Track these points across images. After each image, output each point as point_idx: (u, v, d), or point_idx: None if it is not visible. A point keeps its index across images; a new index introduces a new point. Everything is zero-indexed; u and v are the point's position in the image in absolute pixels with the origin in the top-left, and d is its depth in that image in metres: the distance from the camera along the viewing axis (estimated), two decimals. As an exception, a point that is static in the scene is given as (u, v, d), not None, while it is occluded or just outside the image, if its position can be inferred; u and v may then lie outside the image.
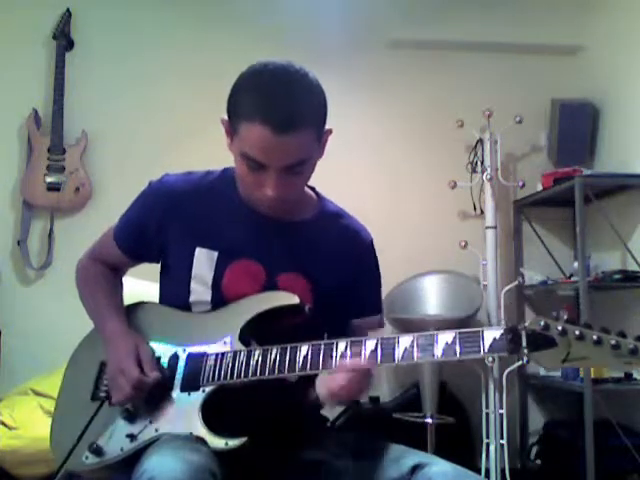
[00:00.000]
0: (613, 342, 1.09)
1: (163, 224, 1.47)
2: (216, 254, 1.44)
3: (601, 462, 2.92)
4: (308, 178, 1.41)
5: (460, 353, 1.18)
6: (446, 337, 1.20)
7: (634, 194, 3.31)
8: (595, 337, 1.11)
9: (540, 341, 1.14)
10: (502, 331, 1.17)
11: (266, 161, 1.30)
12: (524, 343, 1.15)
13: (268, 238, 1.45)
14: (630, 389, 3.18)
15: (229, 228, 1.45)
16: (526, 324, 1.16)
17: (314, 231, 1.48)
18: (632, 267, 3.19)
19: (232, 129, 1.35)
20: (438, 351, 1.20)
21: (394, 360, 1.22)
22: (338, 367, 1.26)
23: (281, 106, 1.27)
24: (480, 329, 1.19)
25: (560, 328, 1.13)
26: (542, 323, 1.14)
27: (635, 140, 3.38)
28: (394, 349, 1.23)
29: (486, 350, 1.17)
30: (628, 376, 3.18)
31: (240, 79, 1.34)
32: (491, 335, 1.17)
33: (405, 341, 1.23)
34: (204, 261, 1.44)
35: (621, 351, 1.09)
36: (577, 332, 1.12)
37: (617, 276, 3.17)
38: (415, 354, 1.21)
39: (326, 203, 1.55)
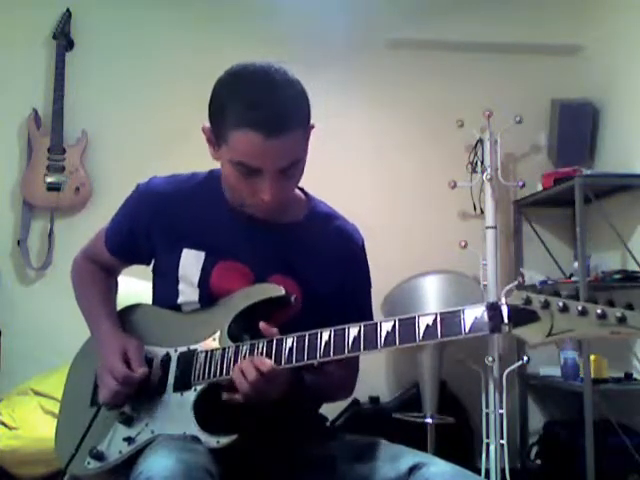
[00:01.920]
0: (599, 311, 1.05)
1: (151, 226, 1.47)
2: (203, 254, 1.43)
3: (601, 462, 2.92)
4: (300, 179, 1.41)
5: (441, 334, 1.16)
6: (427, 319, 1.18)
7: (634, 194, 3.31)
8: (580, 308, 1.06)
9: (522, 316, 1.10)
10: (483, 309, 1.14)
11: (261, 166, 1.29)
12: (505, 320, 1.11)
13: (256, 240, 1.44)
14: (630, 389, 3.18)
15: (216, 229, 1.45)
16: (508, 299, 1.13)
17: (304, 233, 1.48)
18: (632, 267, 3.19)
19: (217, 137, 1.33)
20: (420, 334, 1.18)
21: (377, 346, 1.21)
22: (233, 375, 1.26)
23: (269, 110, 1.26)
24: (461, 308, 1.16)
25: (542, 300, 1.09)
26: (524, 297, 1.10)
27: (635, 140, 3.38)
28: (376, 335, 1.22)
29: (467, 330, 1.14)
30: (628, 376, 3.18)
31: (220, 86, 1.33)
32: (472, 314, 1.14)
33: (387, 326, 1.22)
34: (191, 262, 1.43)
35: (608, 320, 1.05)
36: (560, 304, 1.07)
37: (617, 276, 3.17)
38: (397, 338, 1.20)
39: (316, 204, 1.54)
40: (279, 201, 1.34)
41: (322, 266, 1.46)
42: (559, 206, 3.60)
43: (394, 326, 1.21)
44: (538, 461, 3.44)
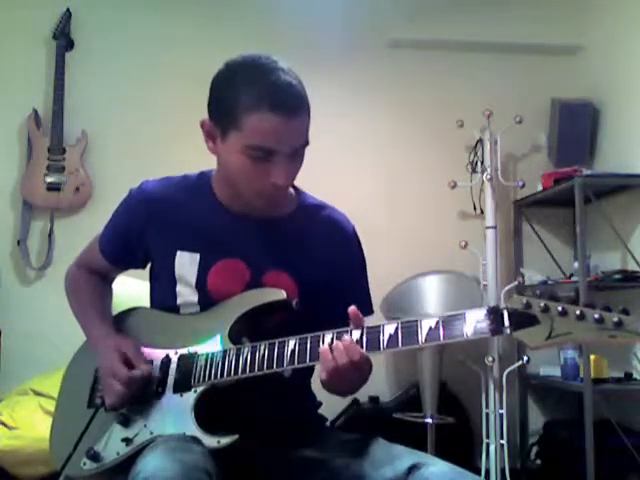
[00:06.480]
0: (596, 316, 1.08)
1: (144, 230, 1.48)
2: (198, 256, 1.44)
3: (601, 462, 2.92)
4: (302, 165, 1.42)
5: (444, 337, 1.18)
6: (429, 322, 1.20)
7: (634, 194, 3.31)
8: (578, 312, 1.10)
9: (522, 320, 1.13)
10: (485, 312, 1.16)
11: (278, 147, 1.31)
12: (506, 323, 1.14)
13: (249, 236, 1.45)
14: (630, 389, 3.17)
15: (209, 230, 1.46)
16: (508, 304, 1.15)
17: (295, 226, 1.49)
18: (632, 267, 3.19)
19: (225, 126, 1.34)
20: (422, 337, 1.19)
21: (379, 348, 1.22)
22: (321, 353, 1.24)
23: (286, 91, 1.30)
24: (462, 312, 1.18)
25: (542, 305, 1.12)
26: (524, 301, 1.13)
27: (635, 140, 3.37)
28: (379, 337, 1.23)
29: (469, 333, 1.16)
30: (628, 376, 3.18)
31: (225, 76, 1.36)
32: (474, 317, 1.17)
33: (390, 328, 1.23)
34: (186, 264, 1.44)
35: (605, 324, 1.08)
36: (559, 308, 1.11)
37: (617, 276, 3.17)
38: (400, 341, 1.21)
39: (305, 196, 1.55)
40: (289, 185, 1.38)
41: (315, 257, 1.47)
42: (559, 206, 3.60)
43: (397, 329, 1.22)
44: (538, 461, 3.44)
